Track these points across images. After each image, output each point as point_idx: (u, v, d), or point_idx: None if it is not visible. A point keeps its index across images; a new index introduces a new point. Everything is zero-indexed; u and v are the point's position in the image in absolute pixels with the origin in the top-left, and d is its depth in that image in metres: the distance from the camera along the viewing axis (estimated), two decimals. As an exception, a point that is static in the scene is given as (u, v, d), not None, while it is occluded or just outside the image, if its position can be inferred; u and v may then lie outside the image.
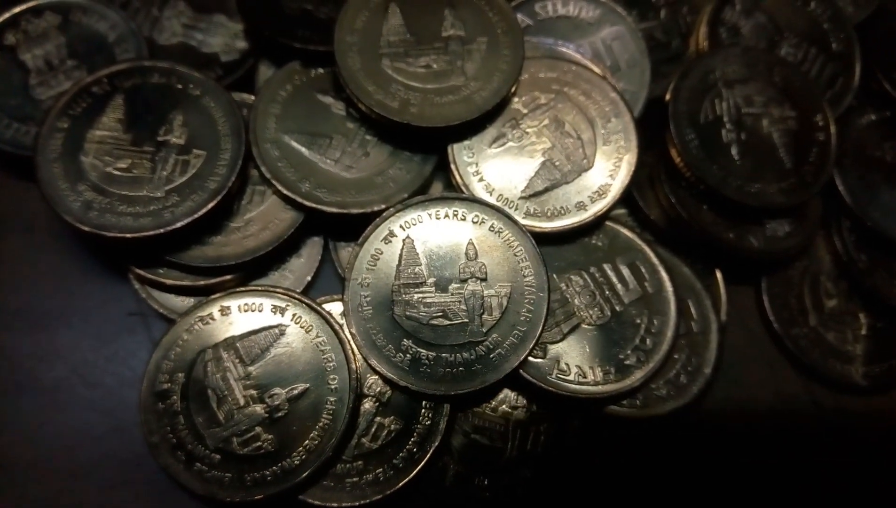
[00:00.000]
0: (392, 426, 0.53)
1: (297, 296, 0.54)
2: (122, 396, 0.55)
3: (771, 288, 0.62)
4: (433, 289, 0.53)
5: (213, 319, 0.53)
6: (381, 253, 0.53)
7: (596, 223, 0.57)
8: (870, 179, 0.64)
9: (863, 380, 0.60)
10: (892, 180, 0.64)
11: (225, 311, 0.53)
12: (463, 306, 0.52)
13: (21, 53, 0.60)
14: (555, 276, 0.57)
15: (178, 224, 0.53)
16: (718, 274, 0.62)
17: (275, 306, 0.53)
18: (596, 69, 0.61)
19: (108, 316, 0.58)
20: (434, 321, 0.52)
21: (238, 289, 0.54)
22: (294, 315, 0.53)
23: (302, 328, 0.53)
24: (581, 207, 0.56)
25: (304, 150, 0.57)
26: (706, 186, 0.58)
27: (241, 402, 0.51)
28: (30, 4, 0.61)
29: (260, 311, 0.53)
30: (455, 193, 0.56)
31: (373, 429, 0.53)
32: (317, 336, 0.53)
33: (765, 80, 0.62)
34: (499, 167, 0.57)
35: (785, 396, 0.60)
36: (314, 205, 0.55)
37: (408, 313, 0.52)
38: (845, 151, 0.64)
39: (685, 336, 0.58)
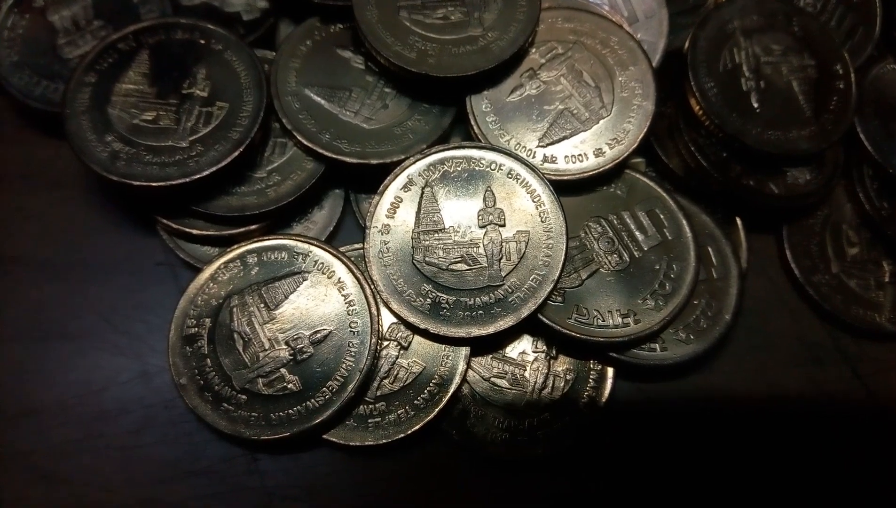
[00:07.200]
0: (413, 369, 0.53)
1: (319, 243, 0.55)
2: (149, 342, 0.57)
3: (792, 236, 0.62)
4: (452, 235, 0.53)
5: (238, 266, 0.54)
6: (401, 201, 0.54)
7: (614, 170, 0.57)
8: (892, 128, 0.63)
9: (891, 325, 0.60)
10: (914, 129, 0.63)
11: (250, 258, 0.54)
12: (482, 252, 0.53)
13: (49, 15, 0.61)
14: (573, 223, 0.56)
15: (203, 173, 0.54)
16: (739, 222, 0.61)
17: (297, 253, 0.54)
18: (613, 19, 0.61)
19: (136, 267, 0.59)
20: (454, 267, 0.53)
21: (262, 238, 0.55)
22: (316, 262, 0.54)
23: (324, 273, 0.54)
24: (599, 153, 0.56)
25: (324, 102, 0.58)
26: (726, 134, 0.58)
27: (266, 345, 0.52)
28: (57, -33, 0.63)
29: (283, 258, 0.54)
30: (473, 142, 0.57)
31: (395, 372, 0.53)
32: (338, 281, 0.54)
33: (783, 29, 0.62)
34: (517, 117, 0.57)
35: (808, 342, 0.60)
36: (334, 155, 0.56)
37: (427, 258, 0.53)
38: (866, 100, 0.64)
39: (705, 283, 0.57)
